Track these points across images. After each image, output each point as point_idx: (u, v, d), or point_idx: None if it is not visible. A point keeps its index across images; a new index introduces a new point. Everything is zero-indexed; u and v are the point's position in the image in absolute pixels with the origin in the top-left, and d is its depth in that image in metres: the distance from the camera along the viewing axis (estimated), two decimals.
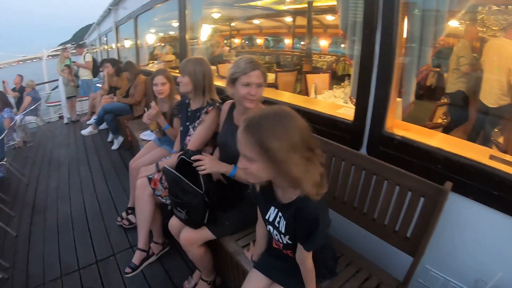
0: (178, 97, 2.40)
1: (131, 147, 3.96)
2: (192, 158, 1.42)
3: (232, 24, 8.76)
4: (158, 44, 7.64)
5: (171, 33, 7.74)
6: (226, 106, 1.69)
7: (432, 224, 1.17)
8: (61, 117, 6.85)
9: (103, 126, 4.23)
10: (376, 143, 1.52)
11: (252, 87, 1.40)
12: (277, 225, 1.07)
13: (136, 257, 1.90)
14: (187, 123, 1.92)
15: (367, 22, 1.49)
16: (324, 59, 6.86)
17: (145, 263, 1.93)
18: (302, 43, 7.64)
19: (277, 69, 5.43)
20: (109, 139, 4.47)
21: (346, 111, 1.90)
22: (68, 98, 6.26)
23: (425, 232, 1.20)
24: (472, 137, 3.18)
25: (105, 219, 2.59)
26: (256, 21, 8.38)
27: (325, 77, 4.10)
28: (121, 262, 2.06)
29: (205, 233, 1.47)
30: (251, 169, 0.89)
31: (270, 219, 1.09)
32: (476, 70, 3.72)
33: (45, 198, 3.11)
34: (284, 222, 1.04)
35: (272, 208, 1.08)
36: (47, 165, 4.03)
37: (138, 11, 5.34)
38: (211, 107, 1.79)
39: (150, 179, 1.85)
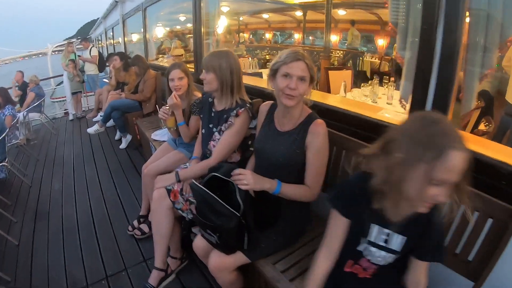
0: (198, 94, 2.17)
1: (140, 146, 3.73)
2: (232, 173, 1.20)
3: (241, 18, 8.47)
4: (166, 38, 7.39)
5: (179, 27, 7.48)
6: (264, 107, 1.46)
7: (500, 248, 1.02)
8: (66, 113, 6.62)
9: (110, 123, 4.01)
10: None
11: (293, 80, 1.18)
12: (383, 244, 0.93)
13: (154, 277, 1.66)
14: (210, 125, 1.68)
15: (426, 15, 1.24)
16: (336, 55, 6.60)
17: (163, 283, 1.70)
18: (310, 38, 7.40)
19: None
20: (117, 137, 4.25)
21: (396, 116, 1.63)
22: (73, 93, 6.04)
23: (492, 256, 1.04)
24: None
25: (114, 226, 2.37)
26: (265, 15, 8.06)
27: (347, 74, 3.83)
28: (134, 278, 1.84)
29: (239, 258, 1.24)
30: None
31: (372, 239, 0.94)
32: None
33: (49, 201, 2.90)
34: (404, 238, 0.91)
35: (376, 227, 0.93)
36: (51, 164, 3.82)
37: (147, 3, 5.09)
38: (242, 109, 1.55)
39: (169, 191, 1.61)
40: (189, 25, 6.33)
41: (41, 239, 2.33)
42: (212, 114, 1.68)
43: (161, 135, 2.71)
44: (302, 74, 1.19)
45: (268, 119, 1.41)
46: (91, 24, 16.49)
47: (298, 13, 7.37)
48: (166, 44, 7.10)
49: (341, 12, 6.30)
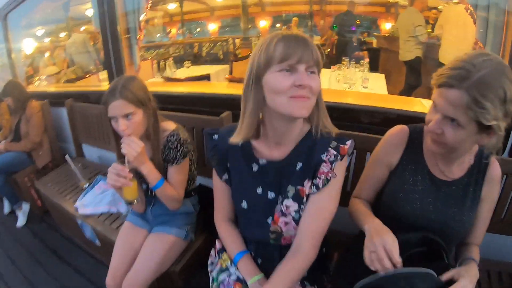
0: (169, 125, 1.36)
1: (45, 213, 2.61)
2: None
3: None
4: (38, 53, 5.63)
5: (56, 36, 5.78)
6: (397, 136, 1.03)
7: None
8: None
9: None
10: None
11: (438, 118, 0.81)
12: None
13: None
14: (276, 196, 0.98)
15: None
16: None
17: None
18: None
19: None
20: (6, 210, 2.85)
21: None
22: None
23: None
24: None
25: None
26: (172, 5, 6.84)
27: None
28: None
29: None
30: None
31: None
32: (433, 37, 3.83)
33: None
34: None
35: None
36: None
37: (7, 7, 3.59)
38: (349, 141, 0.94)
39: None
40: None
41: None
42: (257, 169, 0.99)
43: (93, 203, 1.76)
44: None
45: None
46: None
47: None
48: (39, 61, 5.43)
49: None
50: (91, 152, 2.63)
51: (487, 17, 1.32)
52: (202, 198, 1.56)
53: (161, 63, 4.65)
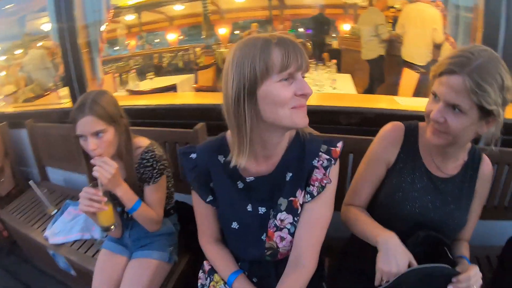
0: (142, 141, 1.29)
1: (13, 244, 2.39)
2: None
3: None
4: None
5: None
6: (393, 133, 1.02)
7: None
8: None
9: None
10: None
11: (440, 107, 0.83)
12: None
13: None
14: (268, 210, 0.93)
15: None
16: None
17: None
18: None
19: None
20: None
21: None
22: None
23: None
24: None
25: None
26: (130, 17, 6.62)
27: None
28: None
29: None
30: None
31: None
32: (394, 35, 4.02)
33: None
34: None
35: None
36: None
37: None
38: (339, 143, 0.90)
39: None
40: None
41: None
42: (243, 186, 0.93)
43: (64, 231, 1.63)
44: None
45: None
46: None
47: (176, 7, 6.28)
48: None
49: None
50: (56, 175, 2.46)
51: (457, 14, 1.40)
52: (181, 215, 1.49)
53: (123, 75, 4.51)
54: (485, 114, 0.79)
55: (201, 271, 1.14)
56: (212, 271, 1.07)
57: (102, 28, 2.08)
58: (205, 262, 1.12)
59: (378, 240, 0.88)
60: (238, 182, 0.92)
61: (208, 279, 1.07)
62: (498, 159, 1.20)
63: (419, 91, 2.99)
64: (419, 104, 2.10)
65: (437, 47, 3.37)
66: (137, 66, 6.19)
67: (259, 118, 0.77)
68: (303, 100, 0.77)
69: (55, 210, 1.81)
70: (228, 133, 0.90)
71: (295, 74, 0.75)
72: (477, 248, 1.26)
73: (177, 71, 5.93)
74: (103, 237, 1.54)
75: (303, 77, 0.77)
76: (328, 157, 0.88)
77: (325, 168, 0.88)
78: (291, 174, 0.89)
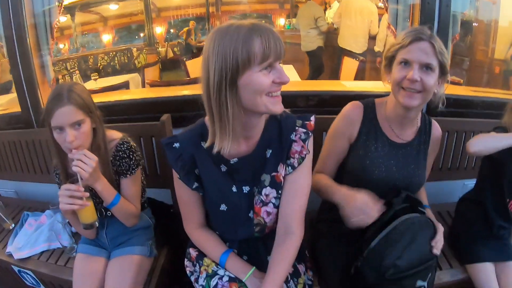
0: (114, 134, 1.24)
1: None
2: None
3: None
4: None
5: None
6: (354, 111, 1.13)
7: None
8: None
9: None
10: None
11: (415, 69, 0.95)
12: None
13: None
14: (251, 188, 0.98)
15: None
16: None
17: None
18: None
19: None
20: None
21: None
22: None
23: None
24: None
25: None
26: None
27: None
28: None
29: None
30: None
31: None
32: (332, 28, 4.32)
33: None
34: None
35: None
36: None
37: None
38: (312, 116, 0.98)
39: None
40: None
41: None
42: (226, 169, 0.97)
43: (29, 244, 1.47)
44: (427, 62, 0.95)
45: (368, 125, 1.13)
46: None
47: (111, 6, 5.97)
48: None
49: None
50: (6, 187, 2.20)
51: (397, 8, 1.66)
52: (153, 210, 1.47)
53: (67, 77, 4.21)
54: (443, 72, 0.99)
55: (186, 259, 1.15)
56: (201, 256, 1.08)
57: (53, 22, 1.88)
58: (190, 249, 1.13)
59: (336, 197, 1.03)
60: (221, 166, 0.95)
61: (197, 265, 1.09)
62: (447, 127, 1.45)
63: (359, 76, 3.34)
64: (363, 86, 2.39)
65: (372, 38, 3.75)
66: (73, 70, 5.78)
67: (240, 104, 0.80)
68: (280, 87, 0.82)
69: (13, 224, 1.65)
70: (207, 119, 0.89)
71: (274, 63, 0.79)
72: (431, 206, 1.44)
73: (121, 70, 5.71)
74: (73, 243, 1.46)
75: (280, 63, 0.81)
76: (304, 130, 0.95)
77: (304, 140, 0.95)
78: (270, 151, 0.95)
